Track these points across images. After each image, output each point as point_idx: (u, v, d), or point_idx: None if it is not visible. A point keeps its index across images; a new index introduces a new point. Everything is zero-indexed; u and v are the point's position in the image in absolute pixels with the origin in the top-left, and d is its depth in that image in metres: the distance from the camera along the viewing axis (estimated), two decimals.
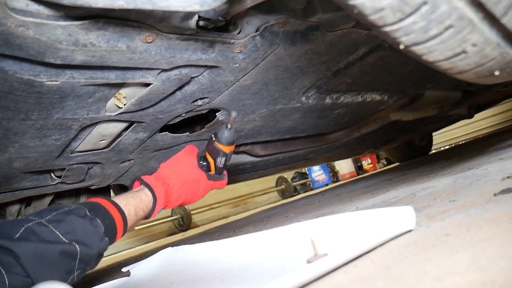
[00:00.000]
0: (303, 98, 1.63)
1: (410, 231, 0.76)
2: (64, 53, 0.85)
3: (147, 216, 1.13)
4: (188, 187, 1.23)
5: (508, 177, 0.99)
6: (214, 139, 1.23)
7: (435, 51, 0.60)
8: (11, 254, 0.77)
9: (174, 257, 1.25)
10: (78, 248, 0.85)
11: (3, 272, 0.76)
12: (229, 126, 1.22)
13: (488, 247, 0.53)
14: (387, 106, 2.20)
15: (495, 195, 0.84)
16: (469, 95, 2.72)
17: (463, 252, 0.54)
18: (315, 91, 1.62)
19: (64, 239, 0.83)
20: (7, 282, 0.75)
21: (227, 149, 1.24)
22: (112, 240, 0.97)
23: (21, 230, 0.81)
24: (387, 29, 0.58)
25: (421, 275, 0.51)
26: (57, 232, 0.83)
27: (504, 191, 0.83)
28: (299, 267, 0.60)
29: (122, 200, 1.05)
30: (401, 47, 0.62)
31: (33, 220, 0.84)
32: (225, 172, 1.33)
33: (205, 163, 1.27)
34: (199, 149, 1.33)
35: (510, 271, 0.43)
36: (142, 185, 1.16)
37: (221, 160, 1.25)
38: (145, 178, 1.18)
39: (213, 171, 1.28)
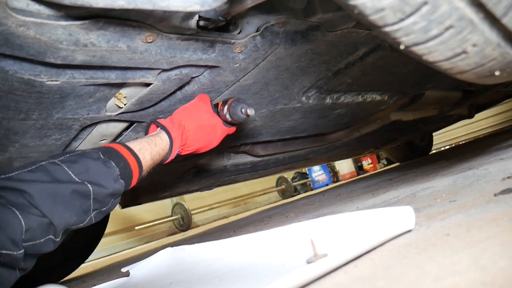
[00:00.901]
0: (304, 98, 1.63)
1: (410, 231, 0.76)
2: (64, 53, 0.85)
3: (163, 160, 1.13)
4: (206, 131, 1.22)
5: (508, 177, 0.99)
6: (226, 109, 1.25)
7: (435, 51, 0.60)
8: (24, 196, 0.77)
9: (173, 257, 1.25)
10: (90, 187, 0.86)
11: (18, 214, 0.75)
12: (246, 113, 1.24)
13: (488, 247, 0.53)
14: (388, 106, 2.20)
15: (495, 195, 0.84)
16: (469, 95, 2.72)
17: (463, 252, 0.54)
18: (315, 91, 1.62)
19: (76, 178, 0.85)
20: (23, 223, 0.75)
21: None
22: (128, 183, 0.97)
23: (34, 166, 0.82)
24: (387, 29, 0.58)
25: (421, 275, 0.51)
26: (70, 172, 0.84)
27: (504, 191, 0.83)
28: (299, 268, 0.60)
29: (136, 145, 1.03)
30: (402, 47, 0.62)
31: (47, 160, 0.85)
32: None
33: (217, 111, 1.28)
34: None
35: (510, 271, 0.43)
36: (158, 128, 1.15)
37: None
38: (161, 121, 1.16)
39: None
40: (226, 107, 1.24)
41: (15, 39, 0.78)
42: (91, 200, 0.87)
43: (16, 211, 0.75)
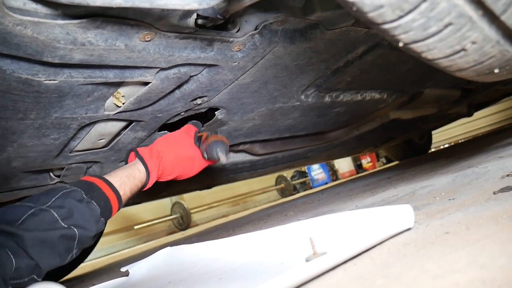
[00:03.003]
0: (302, 97, 1.62)
1: (409, 229, 0.75)
2: (62, 52, 0.85)
3: (141, 189, 1.20)
4: (183, 163, 1.29)
5: (507, 175, 0.99)
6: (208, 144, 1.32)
7: (434, 49, 0.60)
8: (15, 240, 0.85)
9: (172, 257, 1.24)
10: (76, 232, 0.93)
11: (10, 254, 0.83)
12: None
13: (487, 245, 0.53)
14: (387, 105, 2.20)
15: (494, 193, 0.83)
16: (468, 93, 2.72)
17: (463, 250, 0.54)
18: (314, 89, 1.62)
19: (64, 224, 0.91)
20: (14, 263, 0.83)
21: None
22: (107, 219, 1.06)
23: (24, 217, 0.88)
24: (386, 26, 0.58)
25: (420, 273, 0.51)
26: (57, 217, 0.91)
27: (503, 189, 0.83)
28: (298, 266, 0.60)
29: (117, 180, 1.10)
30: (400, 44, 0.61)
31: (34, 207, 0.91)
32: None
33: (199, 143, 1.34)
34: (197, 128, 1.40)
35: (509, 269, 0.43)
36: (136, 159, 1.21)
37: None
38: (140, 150, 1.22)
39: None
40: (204, 144, 1.33)
41: (12, 38, 0.78)
42: (75, 242, 0.95)
43: (9, 252, 0.83)
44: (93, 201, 0.99)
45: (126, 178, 1.13)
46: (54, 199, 0.94)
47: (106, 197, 1.04)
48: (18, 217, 0.88)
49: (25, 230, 0.86)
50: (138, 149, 1.23)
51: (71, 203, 0.95)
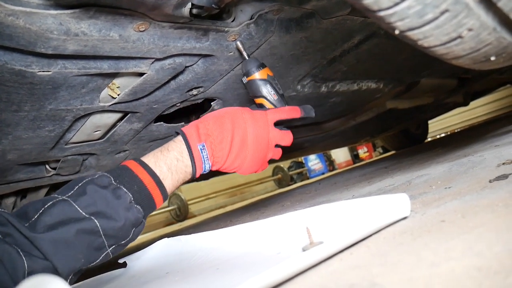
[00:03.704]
0: (299, 87, 1.62)
1: (405, 218, 0.76)
2: (55, 43, 0.84)
3: (189, 166, 0.97)
4: (229, 119, 1.01)
5: (503, 164, 0.99)
6: (244, 79, 1.08)
7: (430, 36, 0.60)
8: (29, 238, 0.75)
9: (170, 248, 1.25)
10: (97, 223, 0.80)
11: (22, 254, 0.73)
12: (244, 55, 1.07)
13: (483, 233, 0.53)
14: (383, 94, 2.20)
15: (490, 181, 0.84)
16: (465, 82, 2.72)
17: (459, 238, 0.54)
18: (310, 79, 1.61)
19: (83, 213, 0.80)
20: (26, 265, 0.73)
21: (260, 74, 1.06)
22: (149, 205, 0.90)
23: (41, 211, 0.79)
24: (382, 13, 0.58)
25: (416, 261, 0.51)
26: (76, 206, 0.80)
27: (499, 178, 0.84)
28: (294, 255, 0.60)
29: (151, 158, 0.94)
30: (396, 32, 0.61)
31: (56, 198, 0.81)
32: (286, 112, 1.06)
33: (254, 107, 1.09)
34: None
35: (505, 257, 0.43)
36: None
37: (268, 91, 1.06)
38: (188, 131, 1.01)
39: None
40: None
41: (4, 29, 0.77)
42: (102, 236, 0.81)
43: (21, 252, 0.74)
44: (121, 187, 0.86)
45: (159, 153, 0.96)
46: (76, 187, 0.84)
47: (139, 180, 0.89)
48: (36, 211, 0.79)
49: (39, 226, 0.76)
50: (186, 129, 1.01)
51: (94, 189, 0.83)
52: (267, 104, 1.06)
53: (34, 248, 0.75)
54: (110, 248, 0.85)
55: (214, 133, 0.99)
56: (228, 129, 0.99)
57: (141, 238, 4.55)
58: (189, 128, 1.00)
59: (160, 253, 1.26)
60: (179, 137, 0.99)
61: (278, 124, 1.05)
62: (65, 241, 0.77)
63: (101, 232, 0.81)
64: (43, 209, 0.79)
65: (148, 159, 0.94)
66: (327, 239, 0.70)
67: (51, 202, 0.80)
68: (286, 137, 1.06)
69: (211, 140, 0.99)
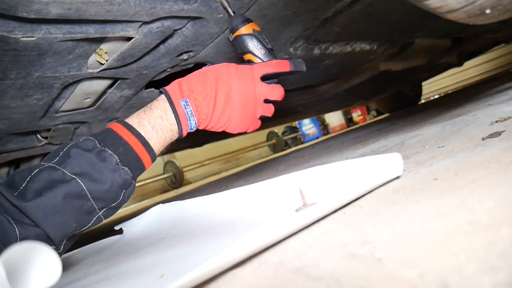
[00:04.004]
0: (291, 49, 1.59)
1: (398, 177, 0.76)
2: (37, 6, 0.81)
3: (174, 124, 0.94)
4: (212, 74, 0.97)
5: (496, 121, 0.99)
6: (230, 36, 1.04)
7: None
8: (18, 206, 0.75)
9: (165, 213, 1.25)
10: (83, 185, 0.80)
11: (12, 223, 0.74)
12: (230, 12, 1.03)
13: (475, 189, 0.53)
14: (377, 56, 2.17)
15: (483, 139, 0.84)
16: (458, 42, 2.69)
17: (451, 195, 0.54)
18: (303, 41, 1.59)
19: (69, 173, 0.79)
20: (17, 232, 0.73)
21: (246, 29, 1.01)
22: (137, 167, 0.89)
23: (28, 178, 0.78)
24: None
25: (409, 218, 0.51)
26: (62, 169, 0.80)
27: (492, 135, 0.83)
28: (288, 216, 0.60)
29: (134, 118, 0.93)
30: None
31: (42, 165, 0.81)
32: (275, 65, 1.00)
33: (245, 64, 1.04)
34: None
35: (496, 211, 0.43)
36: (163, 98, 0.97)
37: (255, 46, 1.01)
38: (171, 89, 0.97)
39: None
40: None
41: None
42: (91, 199, 0.81)
43: (11, 220, 0.74)
44: (106, 149, 0.84)
45: (142, 112, 0.94)
46: (61, 153, 0.83)
47: (124, 142, 0.87)
48: (23, 180, 0.78)
49: (27, 193, 0.76)
50: (169, 88, 0.97)
51: (78, 152, 0.82)
52: (255, 60, 1.02)
53: (25, 216, 0.75)
54: (101, 211, 0.84)
55: (198, 88, 0.96)
56: (212, 83, 0.96)
57: (137, 206, 4.59)
58: (172, 86, 0.97)
59: (155, 218, 1.27)
60: (162, 96, 0.96)
61: (267, 78, 1.01)
62: (53, 207, 0.76)
63: (89, 195, 0.80)
64: (30, 176, 0.79)
65: (132, 120, 0.92)
66: (320, 200, 0.70)
67: (37, 169, 0.80)
68: (276, 91, 1.01)
69: (194, 95, 0.95)
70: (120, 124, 0.91)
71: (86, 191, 0.80)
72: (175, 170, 6.75)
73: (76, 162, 0.81)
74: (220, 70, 0.98)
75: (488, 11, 0.61)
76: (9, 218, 0.74)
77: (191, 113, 0.95)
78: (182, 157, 6.84)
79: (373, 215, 0.58)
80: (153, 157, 0.93)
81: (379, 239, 0.48)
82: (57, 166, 0.80)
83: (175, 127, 0.95)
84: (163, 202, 1.35)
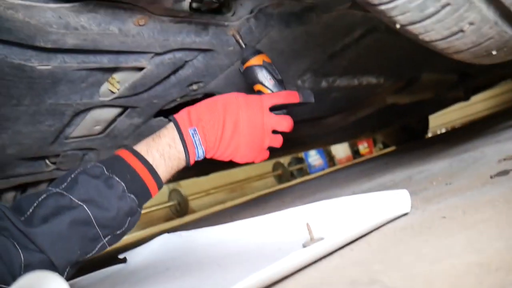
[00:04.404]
0: (299, 82, 1.61)
1: (406, 214, 0.75)
2: (55, 37, 0.83)
3: (181, 152, 0.95)
4: (221, 104, 0.97)
5: (504, 159, 0.98)
6: (241, 67, 1.06)
7: (431, 30, 0.59)
8: (24, 232, 0.74)
9: (170, 243, 1.25)
10: (90, 212, 0.79)
11: (18, 248, 0.73)
12: (241, 44, 1.05)
13: (484, 229, 0.52)
14: (383, 89, 2.19)
15: (491, 177, 0.83)
16: (465, 77, 2.71)
17: (459, 234, 0.53)
18: (310, 74, 1.61)
19: (75, 200, 0.79)
20: (22, 258, 0.73)
21: (257, 60, 1.03)
22: (143, 195, 0.89)
23: (35, 204, 0.78)
24: (382, 7, 0.57)
25: (417, 258, 0.50)
26: (69, 195, 0.80)
27: (500, 173, 0.83)
28: (295, 251, 0.60)
29: (143, 146, 0.93)
30: (397, 26, 0.60)
31: (49, 191, 0.81)
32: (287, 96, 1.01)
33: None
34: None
35: (506, 253, 0.43)
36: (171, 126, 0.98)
37: (264, 76, 1.03)
38: (180, 118, 0.98)
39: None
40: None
41: (3, 22, 0.76)
42: (96, 227, 0.81)
43: (17, 245, 0.74)
44: (113, 176, 0.84)
45: (151, 140, 0.94)
46: (69, 179, 0.83)
47: (132, 169, 0.87)
48: (30, 205, 0.78)
49: (34, 219, 0.76)
50: (178, 116, 0.98)
51: (85, 179, 0.82)
52: (265, 90, 1.02)
53: (30, 242, 0.75)
54: (106, 239, 0.84)
55: (206, 117, 0.96)
56: (220, 112, 0.96)
57: (141, 234, 4.56)
58: (181, 114, 0.98)
59: (160, 248, 1.26)
60: (171, 124, 0.97)
61: (276, 109, 1.02)
62: (59, 234, 0.76)
63: (94, 222, 0.80)
64: (37, 202, 0.79)
65: (140, 147, 0.93)
66: (327, 235, 0.70)
67: (44, 195, 0.80)
68: (284, 122, 1.01)
69: (202, 124, 0.96)
70: (128, 151, 0.91)
71: (92, 218, 0.80)
72: (180, 198, 6.72)
73: (83, 189, 0.81)
74: (229, 100, 0.99)
75: (494, 53, 0.63)
76: (15, 243, 0.74)
77: (199, 142, 0.96)
78: (188, 186, 6.83)
79: (381, 252, 0.58)
80: (160, 185, 0.93)
81: (388, 277, 0.47)
82: (64, 193, 0.80)
83: (183, 155, 0.96)
84: (168, 230, 1.35)
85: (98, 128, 1.35)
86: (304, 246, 0.69)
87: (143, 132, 1.51)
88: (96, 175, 0.84)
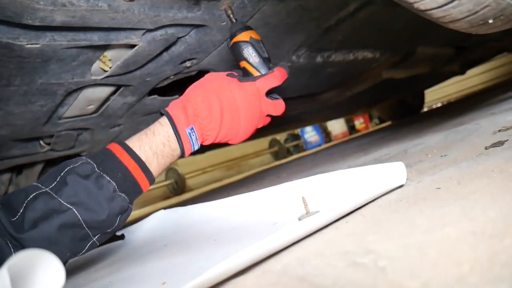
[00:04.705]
0: (294, 57, 1.60)
1: (401, 186, 0.76)
2: (42, 14, 0.81)
3: (176, 149, 0.93)
4: (217, 97, 0.94)
5: (499, 131, 0.99)
6: (228, 42, 1.03)
7: None
8: (16, 238, 0.75)
9: (167, 220, 1.25)
10: (79, 216, 0.78)
11: (11, 247, 0.75)
12: (232, 19, 1.02)
13: (478, 199, 0.53)
14: (379, 64, 2.18)
15: (486, 148, 0.83)
16: (461, 51, 2.69)
17: (454, 204, 0.54)
18: (305, 49, 1.59)
19: (65, 203, 0.78)
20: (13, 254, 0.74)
21: (244, 36, 1.00)
22: (134, 192, 0.87)
23: (24, 205, 0.77)
24: None
25: (411, 228, 0.51)
26: (58, 198, 0.78)
27: (495, 144, 0.83)
28: (290, 224, 0.60)
29: (135, 141, 0.89)
30: None
31: (38, 189, 0.79)
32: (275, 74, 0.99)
33: (239, 72, 1.03)
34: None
35: (499, 221, 0.43)
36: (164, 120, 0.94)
37: (249, 53, 1.00)
38: (172, 111, 0.94)
39: (255, 73, 1.00)
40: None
41: None
42: (85, 228, 0.79)
43: (9, 243, 0.74)
44: (104, 175, 0.82)
45: (144, 136, 0.91)
46: (59, 177, 0.80)
47: (123, 166, 0.85)
48: (19, 205, 0.77)
49: (24, 223, 0.76)
50: (170, 109, 0.94)
51: (75, 180, 0.79)
52: (249, 68, 1.00)
53: (20, 246, 0.75)
54: (95, 237, 0.83)
55: (203, 113, 0.94)
56: (217, 107, 0.94)
57: (139, 212, 4.59)
58: (176, 110, 0.93)
59: (157, 224, 1.27)
60: (165, 120, 0.93)
61: (269, 92, 1.01)
62: (48, 239, 0.76)
63: (84, 225, 0.79)
64: (26, 201, 0.78)
65: (132, 142, 0.90)
66: (323, 208, 0.70)
67: (33, 195, 0.79)
68: (278, 107, 1.02)
69: (200, 121, 0.94)
70: (120, 146, 0.89)
71: (82, 221, 0.79)
72: (177, 177, 6.74)
73: (72, 191, 0.79)
74: (224, 90, 0.96)
75: (491, 21, 0.62)
76: (7, 241, 0.75)
77: (196, 140, 0.94)
78: (184, 164, 6.84)
79: (375, 224, 0.58)
80: (152, 181, 0.92)
81: (382, 248, 0.48)
82: (53, 194, 0.79)
83: (177, 152, 0.94)
84: (165, 208, 1.35)
85: (91, 107, 1.34)
86: (299, 219, 0.70)
87: (137, 110, 1.50)
88: (86, 175, 0.81)
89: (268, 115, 1.03)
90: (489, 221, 0.44)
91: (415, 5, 0.60)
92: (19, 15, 0.80)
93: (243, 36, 1.00)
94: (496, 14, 0.61)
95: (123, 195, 0.84)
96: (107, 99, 1.34)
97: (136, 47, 1.07)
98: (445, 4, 0.59)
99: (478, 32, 0.67)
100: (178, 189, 6.69)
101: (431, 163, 0.90)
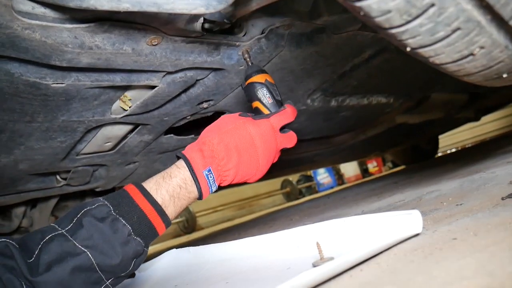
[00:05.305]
0: (309, 101, 1.62)
1: (417, 235, 0.75)
2: (69, 56, 0.85)
3: (192, 192, 0.93)
4: (234, 137, 0.96)
5: None
6: (243, 83, 1.06)
7: (442, 54, 0.60)
8: (31, 282, 0.75)
9: (179, 259, 1.24)
10: (93, 260, 0.78)
11: (24, 287, 0.74)
12: (248, 61, 1.07)
13: (495, 251, 0.52)
14: (393, 109, 2.19)
15: (502, 199, 0.83)
16: (476, 97, 2.70)
17: (471, 256, 0.53)
18: (320, 93, 1.62)
19: (80, 246, 0.78)
20: None
21: (259, 78, 1.03)
22: (150, 236, 0.86)
23: (39, 247, 0.78)
24: (393, 31, 0.58)
25: (428, 280, 0.50)
26: (73, 240, 0.78)
27: (511, 195, 0.83)
28: (305, 271, 0.60)
29: (152, 184, 0.89)
30: (408, 49, 0.61)
31: (54, 231, 0.80)
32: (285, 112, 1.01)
33: (252, 113, 1.05)
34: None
35: None
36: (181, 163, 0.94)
37: (264, 94, 1.02)
38: (189, 154, 0.94)
39: (267, 113, 1.03)
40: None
41: (20, 42, 0.78)
42: (99, 271, 0.79)
43: (24, 285, 0.74)
44: (120, 218, 0.82)
45: (161, 179, 0.91)
46: (75, 219, 0.81)
47: (139, 210, 0.85)
48: (35, 247, 0.77)
49: (39, 266, 0.76)
50: (186, 152, 0.95)
51: (90, 222, 0.80)
52: (262, 108, 1.03)
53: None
54: (109, 281, 0.82)
55: (220, 154, 0.94)
56: (234, 148, 0.95)
57: (149, 250, 4.54)
58: (193, 152, 0.94)
59: (168, 264, 1.26)
60: (182, 163, 0.93)
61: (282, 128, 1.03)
62: (61, 282, 0.76)
63: (97, 268, 0.79)
64: (42, 243, 0.78)
65: (149, 185, 0.89)
66: (337, 254, 0.70)
67: (49, 236, 0.79)
68: (292, 139, 1.03)
69: (217, 162, 0.94)
70: (137, 188, 0.88)
71: (96, 265, 0.79)
72: (188, 215, 6.72)
73: (87, 233, 0.79)
74: (240, 131, 0.97)
75: (505, 76, 0.63)
76: (23, 283, 0.74)
77: (213, 181, 0.94)
78: (196, 202, 6.81)
79: (391, 273, 0.57)
80: (168, 224, 0.91)
81: None
82: (69, 237, 0.79)
83: (194, 194, 0.94)
84: (176, 247, 1.35)
85: (109, 144, 1.37)
86: (314, 265, 0.69)
87: (153, 149, 1.53)
88: (102, 217, 0.81)
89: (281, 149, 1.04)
90: (508, 276, 0.43)
91: (431, 59, 0.61)
92: (47, 56, 0.83)
93: (259, 78, 1.04)
94: (510, 69, 0.62)
95: (138, 238, 0.84)
96: (124, 136, 1.37)
97: (156, 88, 1.10)
98: (460, 59, 0.60)
99: (493, 85, 0.68)
100: (188, 228, 6.65)
101: (447, 211, 0.89)
